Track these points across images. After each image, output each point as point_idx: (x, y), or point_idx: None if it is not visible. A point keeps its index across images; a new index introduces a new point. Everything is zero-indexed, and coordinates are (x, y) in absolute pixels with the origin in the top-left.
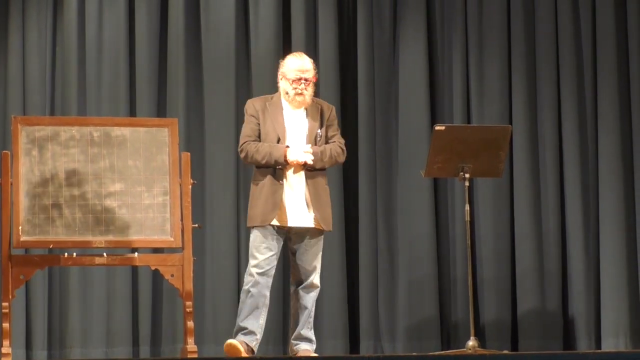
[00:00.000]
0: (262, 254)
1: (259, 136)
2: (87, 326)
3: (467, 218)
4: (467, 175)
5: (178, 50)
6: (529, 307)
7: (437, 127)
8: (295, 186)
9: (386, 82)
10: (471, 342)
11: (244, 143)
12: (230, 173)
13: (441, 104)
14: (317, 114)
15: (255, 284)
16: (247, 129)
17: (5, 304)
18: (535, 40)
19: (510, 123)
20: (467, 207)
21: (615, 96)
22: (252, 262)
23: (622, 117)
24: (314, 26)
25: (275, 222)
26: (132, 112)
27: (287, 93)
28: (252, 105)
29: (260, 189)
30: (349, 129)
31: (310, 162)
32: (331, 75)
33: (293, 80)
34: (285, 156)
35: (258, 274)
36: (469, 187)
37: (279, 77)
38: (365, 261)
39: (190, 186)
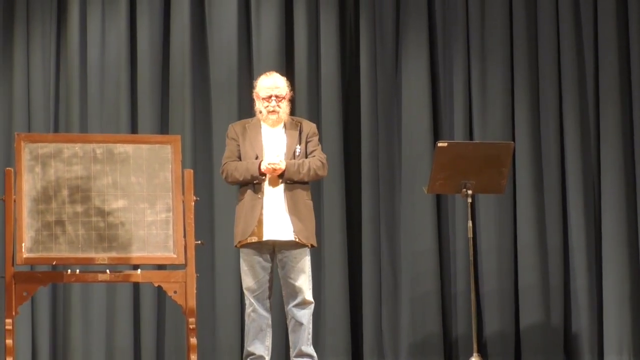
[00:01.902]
0: (249, 276)
1: (239, 157)
2: (90, 342)
3: (470, 234)
4: (469, 192)
5: (182, 69)
6: (531, 323)
7: (440, 144)
8: (274, 200)
9: (388, 99)
10: (474, 358)
11: (224, 164)
12: (234, 190)
13: (443, 120)
14: (295, 131)
15: (253, 308)
16: (227, 151)
17: (8, 320)
18: (538, 56)
19: (513, 139)
20: (470, 223)
21: (618, 112)
22: (243, 285)
23: (625, 133)
24: (315, 44)
25: (254, 239)
26: (134, 129)
27: (260, 112)
28: (232, 129)
29: (242, 206)
30: (351, 145)
31: (282, 166)
32: (334, 92)
33: (264, 98)
34: (259, 168)
35: (253, 297)
36: (471, 203)
37: (254, 96)
38: (368, 278)
39: (194, 203)
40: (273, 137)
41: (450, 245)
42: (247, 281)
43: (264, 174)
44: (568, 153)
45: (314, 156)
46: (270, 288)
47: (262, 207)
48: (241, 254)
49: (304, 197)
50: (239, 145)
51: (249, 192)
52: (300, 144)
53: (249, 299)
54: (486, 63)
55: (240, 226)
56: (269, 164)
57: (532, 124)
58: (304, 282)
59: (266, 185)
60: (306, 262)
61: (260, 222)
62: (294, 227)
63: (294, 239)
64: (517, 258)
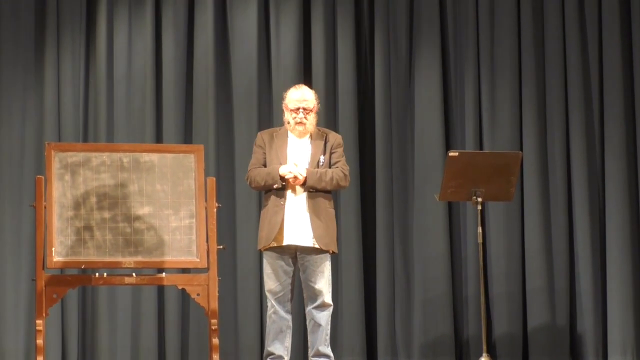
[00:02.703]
0: (272, 279)
1: (265, 165)
2: (117, 342)
3: (480, 240)
4: (479, 199)
5: (205, 79)
6: (538, 324)
7: (451, 154)
8: (296, 206)
9: (402, 109)
10: (484, 358)
11: (249, 171)
12: (255, 196)
13: (455, 131)
14: (321, 142)
15: (274, 310)
16: (253, 158)
17: (39, 321)
18: (545, 70)
19: (521, 149)
20: (480, 229)
21: (622, 123)
22: (265, 288)
23: (628, 143)
24: (332, 57)
25: (276, 244)
26: (159, 139)
27: (288, 122)
28: (261, 137)
29: (266, 212)
30: (366, 156)
31: (300, 176)
32: (350, 105)
33: (292, 110)
34: (278, 172)
35: (274, 299)
36: (481, 210)
37: (283, 108)
38: (382, 281)
39: (216, 209)
40: (299, 148)
41: (462, 251)
42: (270, 284)
43: (283, 179)
44: (573, 162)
45: (337, 167)
46: (291, 291)
47: (284, 213)
48: (264, 258)
49: (326, 205)
50: (265, 154)
51: (273, 198)
52: (324, 154)
53: (271, 301)
54: (495, 76)
55: (264, 231)
56: (288, 172)
57: (539, 134)
58: (324, 286)
59: (289, 192)
60: (326, 267)
61: (281, 228)
62: (314, 233)
63: (312, 245)
64: (525, 262)
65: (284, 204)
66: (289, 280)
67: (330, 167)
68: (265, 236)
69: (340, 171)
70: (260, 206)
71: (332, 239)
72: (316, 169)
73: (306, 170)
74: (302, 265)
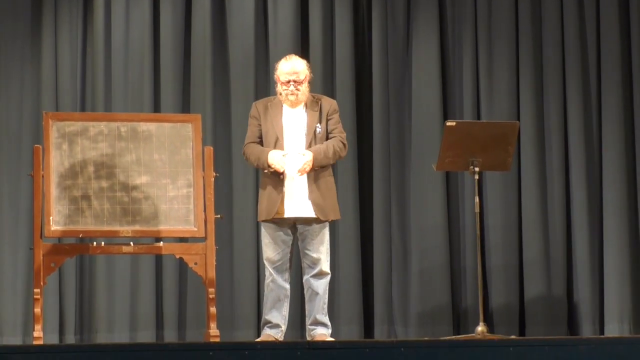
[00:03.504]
0: (270, 248)
1: (260, 137)
2: (115, 311)
3: (477, 210)
4: (477, 169)
5: (202, 50)
6: (535, 294)
7: (449, 123)
8: (296, 178)
9: (400, 80)
10: (480, 328)
11: (244, 145)
12: (252, 167)
13: (452, 100)
14: (316, 110)
15: (272, 279)
16: (248, 131)
17: (36, 290)
18: (542, 41)
19: (518, 119)
20: (477, 199)
21: (619, 90)
22: (264, 256)
23: (625, 110)
24: (330, 28)
25: (275, 216)
26: (157, 109)
27: (280, 94)
28: (255, 108)
29: (265, 184)
30: (364, 125)
31: (309, 163)
32: (347, 74)
33: (283, 83)
34: (267, 160)
35: (273, 268)
36: (478, 180)
37: (275, 79)
38: (379, 250)
39: (213, 179)
40: (294, 118)
41: (459, 220)
42: (268, 253)
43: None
44: (571, 132)
45: (335, 136)
46: (290, 260)
47: (284, 187)
48: (263, 227)
49: (325, 174)
50: (260, 125)
51: (272, 171)
52: (320, 122)
53: (269, 269)
54: (493, 46)
55: (264, 204)
56: (298, 172)
57: (536, 104)
58: (322, 254)
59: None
60: (325, 236)
61: (282, 201)
62: (313, 205)
63: (313, 216)
64: (522, 233)
65: (283, 178)
66: (288, 250)
67: (327, 135)
68: (266, 209)
69: (339, 141)
70: (257, 175)
71: (332, 208)
72: (318, 147)
73: (312, 154)
74: (300, 234)
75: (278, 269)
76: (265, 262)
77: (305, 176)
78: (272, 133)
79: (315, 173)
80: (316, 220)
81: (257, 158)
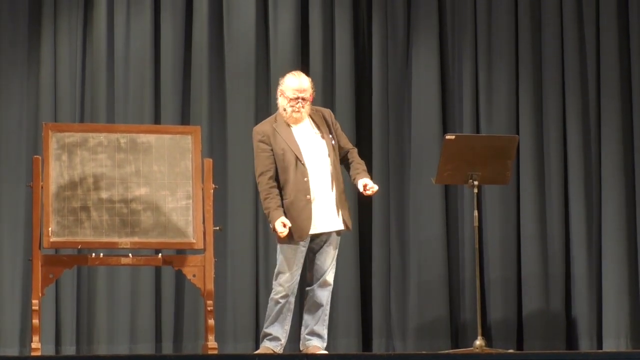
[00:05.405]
0: (292, 269)
1: (274, 162)
2: (113, 323)
3: (476, 223)
4: (475, 183)
5: (202, 61)
6: (533, 309)
7: (448, 137)
8: (323, 194)
9: (399, 92)
10: (478, 342)
11: (259, 176)
12: (250, 178)
13: (452, 114)
14: (322, 123)
15: (285, 296)
16: (259, 160)
17: (35, 301)
18: (542, 54)
19: (517, 133)
20: (476, 212)
21: (618, 106)
22: (282, 276)
23: (624, 127)
24: (330, 38)
25: (307, 236)
26: (157, 120)
27: (284, 110)
28: (261, 132)
29: (289, 205)
30: (363, 137)
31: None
32: (347, 86)
33: (291, 99)
34: (274, 224)
35: (287, 285)
36: (477, 193)
37: (278, 93)
38: (378, 263)
39: (212, 191)
40: (306, 135)
41: (458, 234)
42: (290, 272)
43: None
44: (570, 146)
45: (351, 148)
46: (300, 275)
47: (312, 206)
48: (286, 246)
49: (342, 184)
50: (271, 150)
51: (296, 192)
52: (330, 133)
53: (282, 286)
54: (493, 60)
55: (294, 227)
56: (280, 230)
57: (535, 118)
58: (331, 265)
59: (312, 184)
60: (337, 245)
61: (309, 219)
62: (342, 217)
63: (343, 228)
64: (520, 247)
65: (310, 198)
66: (302, 263)
67: (341, 150)
68: (297, 232)
69: (356, 153)
70: (255, 187)
71: (349, 217)
72: (364, 168)
73: (369, 179)
74: (319, 245)
75: (291, 287)
76: (280, 278)
77: (330, 193)
78: (290, 154)
79: (337, 183)
80: (338, 232)
81: (266, 208)
